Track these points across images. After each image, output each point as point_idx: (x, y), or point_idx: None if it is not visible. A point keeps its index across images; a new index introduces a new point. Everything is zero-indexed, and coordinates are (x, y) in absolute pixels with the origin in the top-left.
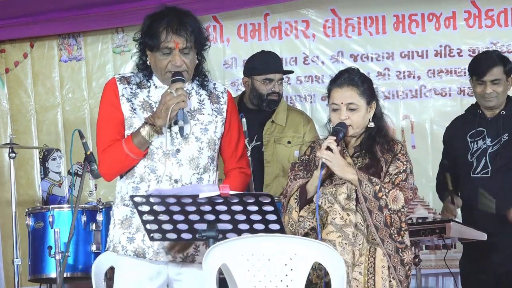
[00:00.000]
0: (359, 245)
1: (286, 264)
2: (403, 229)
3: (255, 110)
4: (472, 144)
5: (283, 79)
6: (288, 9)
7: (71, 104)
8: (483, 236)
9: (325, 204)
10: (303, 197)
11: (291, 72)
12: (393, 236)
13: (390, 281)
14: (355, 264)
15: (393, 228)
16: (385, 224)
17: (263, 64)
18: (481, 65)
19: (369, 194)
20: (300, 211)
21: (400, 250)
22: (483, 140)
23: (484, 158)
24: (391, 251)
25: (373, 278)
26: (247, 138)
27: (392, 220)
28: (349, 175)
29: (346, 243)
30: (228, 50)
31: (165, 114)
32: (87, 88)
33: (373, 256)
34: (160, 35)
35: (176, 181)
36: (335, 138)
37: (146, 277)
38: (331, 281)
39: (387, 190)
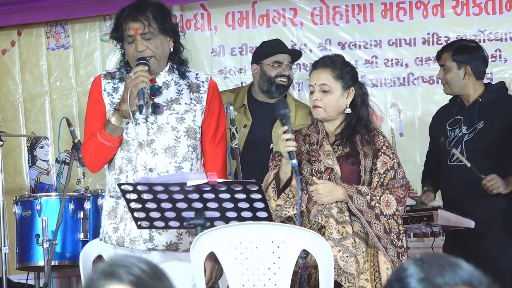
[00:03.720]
0: (363, 252)
1: (273, 252)
2: (401, 232)
3: (263, 104)
4: (450, 132)
5: (292, 63)
6: None
7: (58, 92)
8: (471, 224)
9: (322, 220)
10: (277, 185)
11: (300, 53)
12: (394, 242)
13: None
14: (360, 272)
15: (392, 234)
16: (385, 231)
17: (270, 46)
18: (439, 50)
19: (363, 206)
20: (277, 199)
21: (400, 254)
22: (460, 128)
23: (460, 146)
24: (394, 257)
25: (379, 282)
26: (235, 126)
27: (390, 226)
28: (340, 196)
29: (347, 256)
30: (216, 38)
31: (126, 97)
32: (74, 76)
33: (377, 260)
34: (122, 25)
35: (150, 170)
36: (286, 128)
37: None
38: (319, 268)
39: (378, 197)
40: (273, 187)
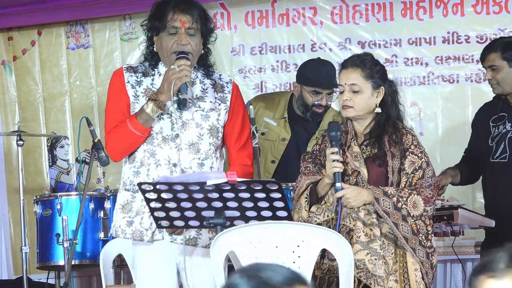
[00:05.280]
0: (392, 253)
1: (293, 251)
2: (430, 232)
3: (303, 119)
4: (494, 129)
5: (333, 92)
6: None
7: (78, 92)
8: (491, 223)
9: (350, 223)
10: (313, 197)
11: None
12: (423, 243)
13: (424, 283)
14: (389, 273)
15: (421, 235)
16: (412, 232)
17: (315, 76)
18: (483, 52)
19: (389, 208)
20: (309, 209)
21: (429, 254)
22: (504, 125)
23: (503, 143)
24: (423, 257)
25: (408, 283)
26: (255, 125)
27: (418, 226)
28: (367, 199)
29: (375, 259)
30: (236, 37)
31: (168, 88)
32: (94, 75)
33: (405, 261)
34: (167, 15)
35: (174, 165)
36: (336, 150)
37: (160, 260)
38: (339, 267)
39: (404, 199)
40: (306, 198)
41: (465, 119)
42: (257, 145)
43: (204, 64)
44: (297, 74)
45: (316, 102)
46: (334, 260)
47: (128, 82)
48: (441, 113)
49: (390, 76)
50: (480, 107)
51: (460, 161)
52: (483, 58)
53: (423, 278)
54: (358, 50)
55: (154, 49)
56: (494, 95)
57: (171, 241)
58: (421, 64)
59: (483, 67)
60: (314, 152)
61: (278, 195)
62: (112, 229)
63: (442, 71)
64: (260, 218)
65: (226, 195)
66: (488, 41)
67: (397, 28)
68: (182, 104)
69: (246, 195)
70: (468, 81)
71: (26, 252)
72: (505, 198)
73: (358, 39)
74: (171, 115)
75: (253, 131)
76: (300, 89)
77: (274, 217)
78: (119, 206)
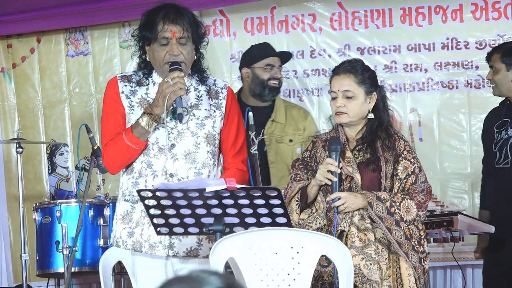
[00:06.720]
0: (385, 259)
1: (293, 258)
2: (422, 237)
3: (255, 109)
4: (497, 134)
5: (281, 65)
6: (294, 2)
7: (78, 99)
8: (491, 229)
9: (345, 228)
10: (304, 200)
11: (289, 55)
12: (416, 248)
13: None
14: (383, 278)
15: (413, 240)
16: (405, 237)
17: (261, 50)
18: (490, 51)
19: (383, 213)
20: (300, 213)
21: (422, 259)
22: (506, 130)
23: (505, 148)
24: (416, 262)
25: None
26: (254, 132)
27: (411, 231)
28: (362, 204)
29: (370, 264)
30: (235, 44)
31: (162, 102)
32: (94, 82)
33: (399, 266)
34: (157, 26)
35: (171, 176)
36: (335, 162)
37: (158, 273)
38: (338, 273)
39: (397, 203)
40: (296, 201)
41: (464, 125)
42: (256, 152)
43: (198, 69)
44: (243, 59)
45: (271, 76)
46: (326, 266)
47: (123, 92)
48: (440, 119)
49: (389, 82)
50: (487, 114)
51: (482, 182)
52: (489, 57)
53: (416, 284)
54: (358, 57)
55: (147, 58)
56: (501, 100)
57: (173, 255)
58: (420, 70)
59: (489, 66)
60: (305, 158)
61: (277, 202)
62: (112, 238)
63: (441, 77)
64: (259, 224)
65: (225, 201)
66: (488, 47)
67: (396, 34)
68: (177, 119)
69: (245, 201)
70: (468, 87)
71: (25, 260)
72: (506, 203)
73: (357, 45)
74: (166, 125)
75: (252, 138)
76: (251, 73)
77: (274, 224)
78: (119, 216)
